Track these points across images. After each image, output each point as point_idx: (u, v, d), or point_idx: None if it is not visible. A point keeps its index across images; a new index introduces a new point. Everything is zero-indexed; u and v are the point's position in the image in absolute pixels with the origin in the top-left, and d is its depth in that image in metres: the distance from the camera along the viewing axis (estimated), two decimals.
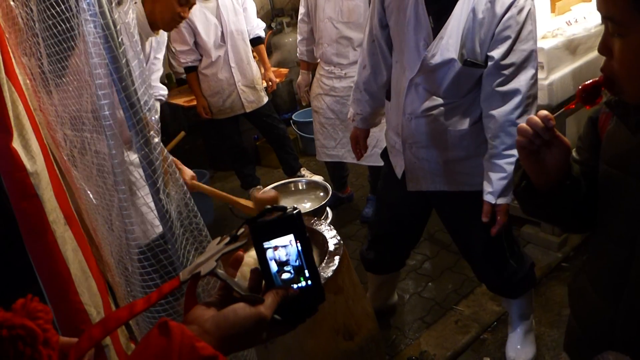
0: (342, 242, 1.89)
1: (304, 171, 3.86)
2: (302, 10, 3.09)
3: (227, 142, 3.65)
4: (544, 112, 0.93)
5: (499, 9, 1.58)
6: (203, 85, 3.48)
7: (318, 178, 3.78)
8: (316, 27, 2.96)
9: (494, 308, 2.45)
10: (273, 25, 5.84)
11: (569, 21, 2.48)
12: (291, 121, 4.44)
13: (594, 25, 2.51)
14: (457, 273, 2.73)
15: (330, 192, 2.54)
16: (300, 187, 2.68)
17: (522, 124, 0.95)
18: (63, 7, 1.10)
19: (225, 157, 3.89)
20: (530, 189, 1.05)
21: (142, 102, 1.08)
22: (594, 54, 2.54)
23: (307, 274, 0.73)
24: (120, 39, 0.97)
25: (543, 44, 2.34)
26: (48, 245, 1.39)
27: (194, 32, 3.30)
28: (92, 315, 1.43)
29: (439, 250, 2.93)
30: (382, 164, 2.51)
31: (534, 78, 1.66)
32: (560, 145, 0.95)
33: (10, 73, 1.32)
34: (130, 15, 1.03)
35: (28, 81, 1.46)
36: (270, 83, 3.64)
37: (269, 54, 4.69)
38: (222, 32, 3.33)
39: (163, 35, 2.49)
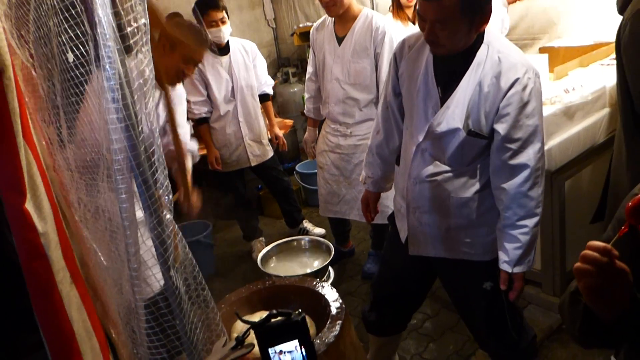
0: (344, 306, 1.91)
1: (306, 223, 3.88)
2: (310, 69, 3.19)
3: (232, 193, 3.69)
4: (601, 245, 0.89)
5: (504, 84, 1.65)
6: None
7: (320, 231, 3.81)
8: (323, 86, 3.05)
9: None
10: (279, 74, 5.99)
11: (567, 89, 2.56)
12: (294, 171, 4.50)
13: (590, 93, 2.59)
14: (459, 333, 2.72)
15: (333, 252, 2.56)
16: (303, 245, 2.70)
17: (586, 251, 0.91)
18: (85, 87, 1.16)
19: (229, 207, 3.92)
20: (593, 322, 0.99)
21: (157, 182, 1.13)
22: (592, 119, 2.62)
23: None
24: (140, 128, 1.02)
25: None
26: (54, 305, 1.41)
27: (207, 86, 3.40)
28: None
29: (440, 308, 2.93)
30: (384, 222, 2.55)
31: (541, 151, 1.71)
32: (622, 273, 0.91)
33: (27, 136, 1.37)
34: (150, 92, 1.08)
35: (44, 142, 1.51)
36: (276, 139, 3.69)
37: (274, 102, 4.80)
38: (233, 87, 3.43)
39: (180, 89, 2.57)
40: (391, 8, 3.74)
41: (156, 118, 1.07)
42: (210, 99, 3.44)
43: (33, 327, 1.42)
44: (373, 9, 5.12)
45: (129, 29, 0.95)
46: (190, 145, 2.47)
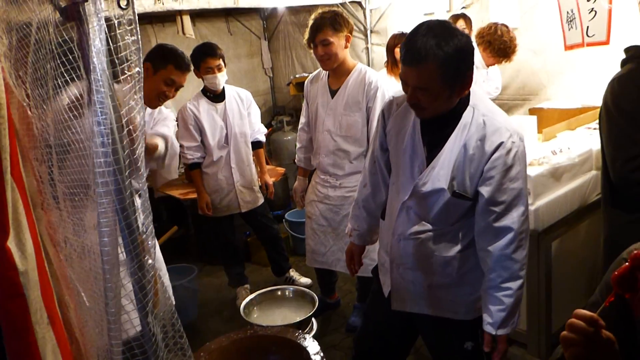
0: (324, 359, 1.88)
1: (292, 272, 3.85)
2: (302, 120, 3.24)
3: (221, 239, 3.67)
4: (588, 314, 0.89)
5: (488, 148, 1.68)
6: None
7: (306, 281, 3.77)
8: (315, 137, 3.09)
9: None
10: (274, 122, 6.08)
11: (554, 150, 2.61)
12: (284, 219, 4.49)
13: (577, 155, 2.64)
14: None
15: (317, 304, 2.53)
16: (287, 295, 2.67)
17: (573, 320, 0.90)
18: (80, 129, 1.18)
19: (216, 253, 3.89)
20: None
21: (141, 227, 1.13)
22: (579, 181, 2.65)
23: None
24: (127, 173, 1.03)
25: (530, 171, 2.44)
26: (29, 346, 1.38)
27: (201, 132, 3.44)
28: None
29: None
30: (370, 274, 2.52)
31: (525, 214, 1.73)
32: (608, 343, 0.91)
33: (15, 174, 1.38)
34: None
35: (34, 181, 1.51)
36: (266, 187, 3.70)
37: (267, 148, 4.85)
38: (227, 134, 3.48)
39: (167, 112, 2.60)
40: (386, 64, 3.85)
41: (144, 163, 1.08)
42: (204, 145, 3.48)
43: None
44: (368, 64, 5.30)
45: (122, 77, 0.97)
46: (162, 129, 2.49)
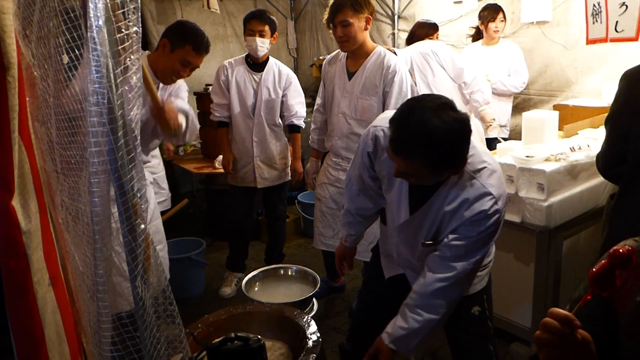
0: (321, 340, 1.87)
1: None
2: (318, 100, 3.20)
3: (231, 216, 3.62)
4: (562, 313, 0.86)
5: (467, 213, 1.67)
6: None
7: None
8: (330, 119, 3.05)
9: None
10: None
11: (573, 147, 2.54)
12: (296, 201, 4.48)
13: (596, 153, 2.56)
14: None
15: (319, 284, 2.52)
16: (290, 273, 2.67)
17: (547, 319, 0.87)
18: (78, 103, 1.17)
19: (226, 228, 3.86)
20: None
21: (134, 189, 1.12)
22: (595, 181, 2.58)
23: None
24: (121, 133, 1.02)
25: (545, 166, 2.39)
26: (28, 306, 1.39)
27: (229, 94, 3.40)
28: None
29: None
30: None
31: (479, 263, 1.73)
32: (584, 344, 0.88)
33: (24, 134, 1.38)
34: (135, 81, 1.07)
35: (38, 142, 1.52)
36: (294, 174, 3.60)
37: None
38: (255, 105, 3.41)
39: (180, 82, 2.60)
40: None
41: (139, 126, 1.07)
42: (230, 108, 3.43)
43: (5, 330, 1.40)
44: (394, 46, 5.22)
45: (118, 36, 0.96)
46: (182, 104, 2.47)
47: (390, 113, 1.71)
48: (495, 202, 1.64)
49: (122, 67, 1.00)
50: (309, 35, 6.21)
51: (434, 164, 1.55)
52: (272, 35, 3.31)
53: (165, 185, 3.72)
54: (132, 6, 0.97)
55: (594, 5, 2.72)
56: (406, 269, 1.99)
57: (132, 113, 1.04)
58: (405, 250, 1.91)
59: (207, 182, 4.35)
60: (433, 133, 1.49)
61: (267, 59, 3.41)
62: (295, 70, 6.44)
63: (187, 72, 2.42)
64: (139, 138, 1.07)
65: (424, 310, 1.73)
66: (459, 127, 1.52)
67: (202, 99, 4.58)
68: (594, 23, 2.78)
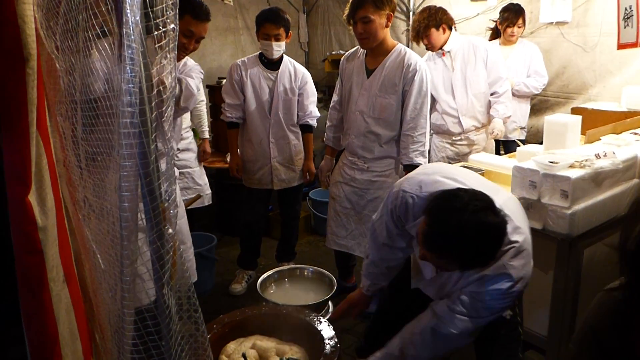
0: (339, 345, 1.84)
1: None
2: (335, 97, 3.15)
3: (243, 213, 3.56)
4: None
5: (481, 289, 1.70)
6: (240, 149, 3.46)
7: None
8: (346, 117, 3.00)
9: None
10: None
11: (599, 154, 2.48)
12: (307, 197, 4.43)
13: (622, 161, 2.51)
14: None
15: (335, 287, 2.48)
16: (306, 274, 2.63)
17: None
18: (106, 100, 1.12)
19: (237, 224, 3.81)
20: None
21: (164, 194, 1.07)
22: (620, 188, 2.52)
23: None
24: (154, 136, 0.97)
25: (570, 173, 2.33)
26: (43, 303, 1.37)
27: (243, 94, 3.32)
28: None
29: None
30: None
31: (475, 329, 1.78)
32: None
33: (41, 128, 1.34)
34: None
35: (58, 136, 1.47)
36: (307, 174, 3.55)
37: None
38: (271, 105, 3.33)
39: (192, 63, 2.54)
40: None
41: (172, 128, 1.02)
42: (245, 108, 3.35)
43: (16, 320, 1.38)
44: (408, 47, 5.14)
45: (156, 33, 0.91)
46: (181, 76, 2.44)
47: (419, 177, 1.81)
48: (514, 285, 1.65)
49: (158, 66, 0.95)
50: (321, 30, 6.13)
51: (463, 265, 1.61)
52: (287, 36, 3.25)
53: (201, 181, 3.67)
54: (170, 2, 0.92)
55: (626, 8, 2.65)
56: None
57: (165, 115, 0.99)
58: (428, 291, 1.96)
59: (218, 177, 4.30)
60: (470, 240, 1.51)
61: (282, 57, 3.35)
62: (307, 64, 6.37)
63: (192, 43, 2.38)
64: (172, 141, 1.02)
65: (414, 347, 1.81)
66: (496, 234, 1.55)
67: (214, 92, 4.52)
68: (625, 27, 2.71)
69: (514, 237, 1.67)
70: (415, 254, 1.93)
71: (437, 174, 1.81)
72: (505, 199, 1.78)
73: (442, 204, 1.57)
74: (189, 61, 2.61)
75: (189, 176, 3.67)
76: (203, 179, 3.60)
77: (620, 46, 2.85)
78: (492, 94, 3.41)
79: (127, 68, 0.92)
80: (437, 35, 3.25)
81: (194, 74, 2.54)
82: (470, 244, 1.51)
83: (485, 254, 1.56)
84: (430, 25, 3.22)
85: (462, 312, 1.72)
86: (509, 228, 1.63)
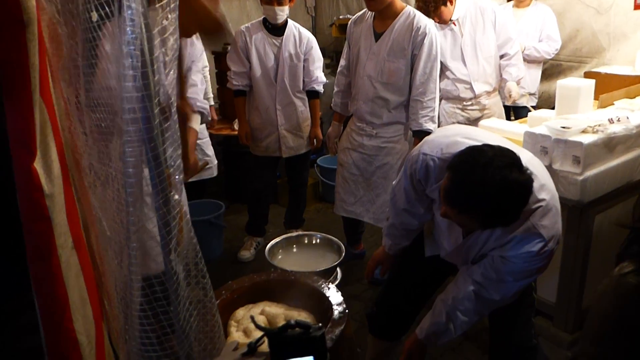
0: (347, 311, 1.84)
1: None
2: (342, 62, 3.09)
3: (250, 180, 3.55)
4: None
5: (514, 252, 1.64)
6: (247, 117, 3.43)
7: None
8: (354, 82, 2.95)
9: None
10: None
11: (612, 119, 2.43)
12: (315, 165, 4.41)
13: (635, 125, 2.46)
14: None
15: (344, 253, 2.48)
16: (314, 242, 2.63)
17: None
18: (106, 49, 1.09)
19: (245, 192, 3.81)
20: None
21: (169, 159, 1.06)
22: (633, 154, 2.48)
23: None
24: (157, 100, 0.95)
25: (582, 138, 2.29)
26: (52, 269, 1.37)
27: (249, 61, 3.27)
28: (83, 344, 1.39)
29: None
30: None
31: (514, 294, 1.74)
32: None
33: (44, 94, 1.32)
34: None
35: (62, 103, 1.45)
36: (315, 140, 3.51)
37: None
38: (277, 72, 3.29)
39: (199, 45, 2.47)
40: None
41: (175, 91, 0.99)
42: (251, 75, 3.30)
43: (27, 287, 1.39)
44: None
45: None
46: (202, 103, 2.37)
47: (440, 139, 1.73)
48: (545, 245, 1.60)
49: (159, 27, 0.92)
50: None
51: (485, 222, 1.55)
52: (290, 0, 3.17)
53: (209, 151, 3.64)
54: None
55: None
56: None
57: (169, 77, 0.96)
58: (452, 258, 1.91)
59: (225, 144, 4.28)
60: (493, 197, 1.45)
61: (286, 22, 3.27)
62: (314, 30, 6.25)
63: None
64: (175, 104, 1.00)
65: (460, 313, 1.76)
66: (521, 191, 1.49)
67: (220, 58, 4.46)
68: None
69: (540, 195, 1.62)
70: (435, 218, 1.89)
71: (457, 135, 1.75)
72: (529, 158, 1.73)
73: (466, 159, 1.51)
74: (198, 43, 2.52)
75: (197, 147, 3.66)
76: (210, 150, 3.58)
77: (637, 6, 2.75)
78: (502, 56, 3.32)
79: (128, 30, 0.90)
80: (447, 11, 3.15)
81: (197, 57, 2.46)
82: (493, 200, 1.46)
83: (508, 211, 1.51)
84: (440, 4, 3.11)
85: (499, 278, 1.68)
86: (535, 185, 1.57)
